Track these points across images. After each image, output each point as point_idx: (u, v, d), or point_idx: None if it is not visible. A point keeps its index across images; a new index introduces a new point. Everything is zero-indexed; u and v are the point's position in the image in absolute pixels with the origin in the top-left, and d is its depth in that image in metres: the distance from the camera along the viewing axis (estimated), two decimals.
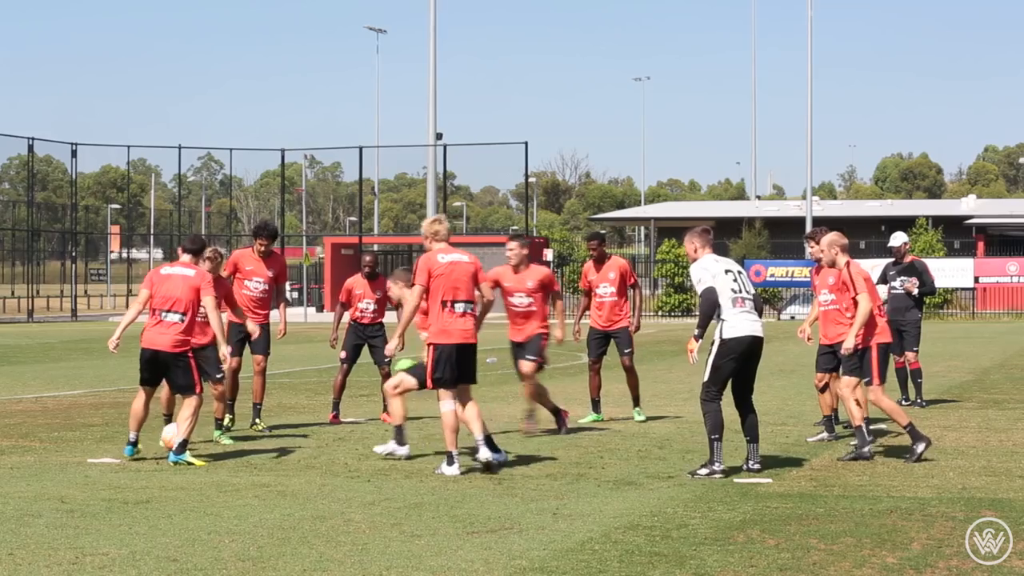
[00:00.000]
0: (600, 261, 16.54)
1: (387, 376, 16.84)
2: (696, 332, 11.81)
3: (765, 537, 9.19)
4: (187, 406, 13.15)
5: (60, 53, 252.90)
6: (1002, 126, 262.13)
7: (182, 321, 13.21)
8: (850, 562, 8.44)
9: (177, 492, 11.24)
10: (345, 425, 16.32)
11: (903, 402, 18.43)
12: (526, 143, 60.61)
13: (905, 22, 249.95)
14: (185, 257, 13.55)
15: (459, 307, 12.36)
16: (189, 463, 12.98)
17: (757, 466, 12.12)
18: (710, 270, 12.03)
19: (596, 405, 16.73)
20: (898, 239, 18.64)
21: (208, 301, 13.28)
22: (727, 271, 12.09)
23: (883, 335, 13.22)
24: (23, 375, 25.28)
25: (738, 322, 11.93)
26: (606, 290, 16.44)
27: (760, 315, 12.21)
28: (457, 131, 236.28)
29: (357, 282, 16.91)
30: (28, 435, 15.32)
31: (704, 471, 11.89)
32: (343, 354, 16.79)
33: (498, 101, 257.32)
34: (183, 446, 13.13)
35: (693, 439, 14.50)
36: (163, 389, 14.43)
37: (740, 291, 12.00)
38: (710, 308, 11.88)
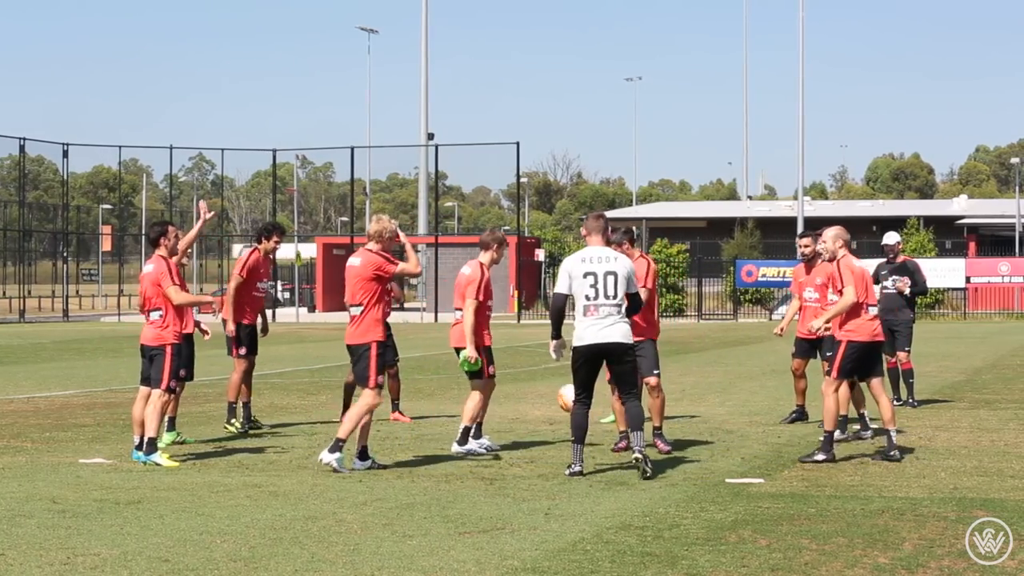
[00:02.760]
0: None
1: (394, 376, 16.86)
2: (552, 333, 12.23)
3: (757, 537, 9.19)
4: (149, 402, 13.09)
5: (52, 53, 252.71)
6: (994, 126, 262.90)
7: (160, 317, 13.22)
8: (842, 562, 8.45)
9: (169, 492, 11.23)
10: (337, 424, 16.29)
11: (895, 402, 18.43)
12: (518, 143, 60.65)
13: (897, 22, 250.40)
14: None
15: (352, 310, 12.69)
16: (157, 464, 12.87)
17: (639, 453, 11.90)
18: (571, 273, 12.11)
19: None
20: (891, 238, 18.73)
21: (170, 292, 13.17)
22: (587, 274, 12.03)
23: (859, 334, 13.14)
24: (15, 375, 25.25)
25: (583, 331, 12.03)
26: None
27: (632, 313, 12.15)
28: (449, 131, 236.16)
29: None
30: (20, 435, 15.30)
31: (567, 471, 12.08)
32: None
33: (490, 101, 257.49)
34: (152, 445, 13.00)
35: (684, 439, 14.52)
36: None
37: (596, 298, 11.98)
38: (554, 314, 12.24)
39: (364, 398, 12.56)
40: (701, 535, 9.27)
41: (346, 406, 16.68)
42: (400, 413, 16.78)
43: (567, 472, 12.00)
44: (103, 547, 8.99)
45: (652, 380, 13.67)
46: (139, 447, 13.19)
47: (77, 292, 73.41)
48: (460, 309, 13.54)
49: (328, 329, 46.85)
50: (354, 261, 12.75)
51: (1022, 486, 11.42)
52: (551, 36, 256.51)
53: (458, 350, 13.49)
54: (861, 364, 13.30)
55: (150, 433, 13.00)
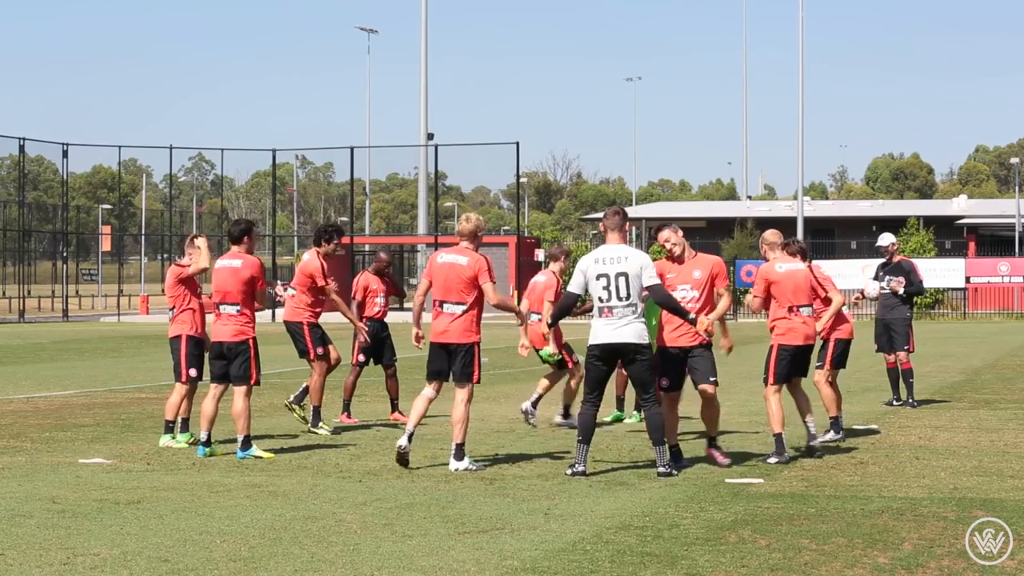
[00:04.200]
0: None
1: (392, 376, 16.91)
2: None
3: (756, 537, 9.19)
4: (235, 402, 13.39)
5: (51, 53, 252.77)
6: (993, 126, 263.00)
7: (239, 312, 13.49)
8: (841, 562, 8.45)
9: (168, 492, 11.23)
10: (337, 425, 16.31)
11: (894, 402, 18.47)
12: (517, 143, 60.50)
13: (896, 22, 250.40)
14: (233, 248, 13.79)
15: (450, 307, 12.58)
16: (258, 457, 13.25)
17: (664, 469, 11.98)
18: (586, 273, 12.14)
19: (620, 403, 16.77)
20: (885, 239, 18.82)
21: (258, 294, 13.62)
22: (600, 276, 12.02)
23: (789, 338, 13.22)
24: (14, 375, 25.25)
25: (597, 330, 12.10)
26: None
27: (665, 303, 12.16)
28: (448, 131, 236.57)
29: (370, 279, 17.01)
30: (19, 435, 15.29)
31: (568, 470, 12.09)
32: (361, 357, 16.81)
33: (489, 101, 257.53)
34: (247, 442, 13.33)
35: (684, 439, 14.51)
36: (175, 394, 14.37)
37: (609, 300, 11.98)
38: (559, 310, 12.75)
39: (467, 393, 12.55)
40: (701, 535, 9.27)
41: (346, 406, 16.72)
42: (399, 413, 16.78)
43: (568, 472, 11.99)
44: (103, 547, 8.99)
45: (709, 388, 12.93)
46: (206, 443, 13.48)
47: (77, 292, 73.35)
48: (538, 312, 15.24)
49: (329, 329, 46.88)
50: (458, 259, 12.58)
51: (1022, 486, 11.42)
52: (551, 36, 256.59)
53: (538, 350, 15.49)
54: (796, 366, 13.38)
55: (244, 432, 13.32)
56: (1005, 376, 23.91)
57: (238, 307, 13.48)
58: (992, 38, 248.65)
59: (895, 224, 68.46)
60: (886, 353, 18.59)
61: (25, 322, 57.24)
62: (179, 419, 14.40)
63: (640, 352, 12.07)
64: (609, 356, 12.12)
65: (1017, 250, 71.79)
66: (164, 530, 9.57)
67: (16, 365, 28.58)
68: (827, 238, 75.08)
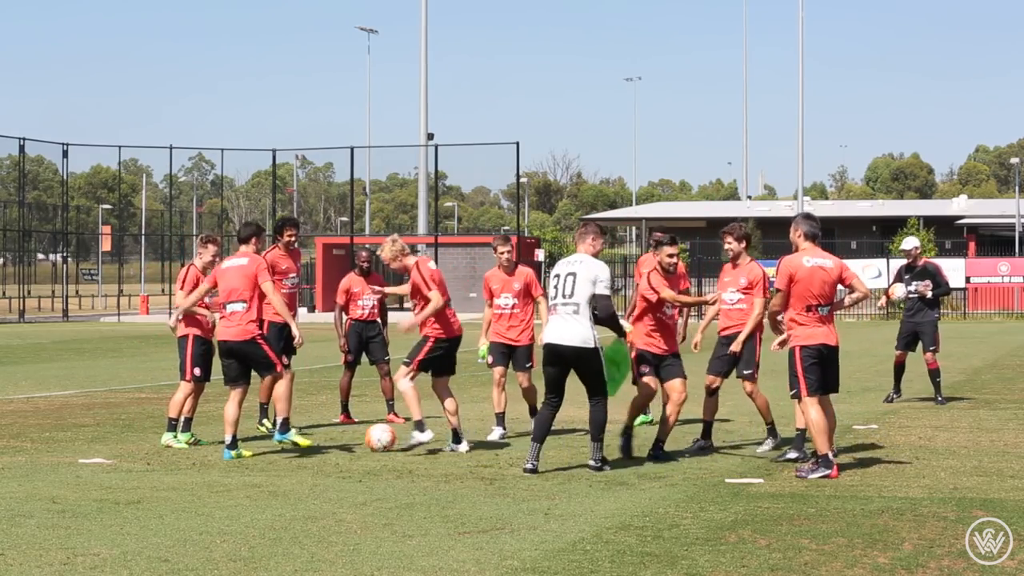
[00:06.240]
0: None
1: (386, 375, 16.87)
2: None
3: (756, 537, 9.19)
4: (278, 386, 13.64)
5: (51, 53, 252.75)
6: (993, 126, 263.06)
7: (246, 310, 13.60)
8: (841, 562, 8.45)
9: (168, 492, 11.23)
10: (336, 425, 16.31)
11: (894, 397, 18.64)
12: (517, 143, 60.40)
13: (897, 22, 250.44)
14: (241, 247, 14.02)
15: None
16: (295, 443, 13.53)
17: (595, 463, 12.22)
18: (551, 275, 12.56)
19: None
20: (909, 243, 18.95)
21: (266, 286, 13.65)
22: (555, 276, 12.39)
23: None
24: (14, 375, 25.23)
25: (547, 329, 12.44)
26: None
27: (608, 317, 12.19)
28: (448, 131, 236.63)
29: (353, 280, 16.90)
30: (19, 435, 15.29)
31: (524, 466, 12.27)
32: (350, 357, 16.80)
33: (489, 101, 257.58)
34: (285, 425, 13.57)
35: (685, 440, 14.52)
36: (179, 392, 14.37)
37: (556, 297, 12.26)
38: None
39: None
40: (701, 535, 9.27)
41: (344, 407, 16.70)
42: (395, 414, 16.76)
43: (524, 469, 12.18)
44: (103, 547, 9.00)
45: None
46: (231, 446, 13.40)
47: (77, 292, 73.31)
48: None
49: (328, 329, 46.94)
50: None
51: (1022, 486, 11.42)
52: (551, 36, 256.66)
53: None
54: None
55: (283, 414, 13.66)
56: (1005, 376, 23.92)
57: (245, 304, 13.55)
58: (992, 38, 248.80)
59: (895, 224, 68.47)
60: (902, 350, 18.77)
61: (25, 322, 57.22)
62: (182, 418, 14.39)
63: (583, 355, 12.19)
64: (557, 357, 12.28)
65: (1017, 250, 71.81)
66: (164, 530, 9.57)
67: (16, 365, 28.57)
68: (827, 238, 75.01)
